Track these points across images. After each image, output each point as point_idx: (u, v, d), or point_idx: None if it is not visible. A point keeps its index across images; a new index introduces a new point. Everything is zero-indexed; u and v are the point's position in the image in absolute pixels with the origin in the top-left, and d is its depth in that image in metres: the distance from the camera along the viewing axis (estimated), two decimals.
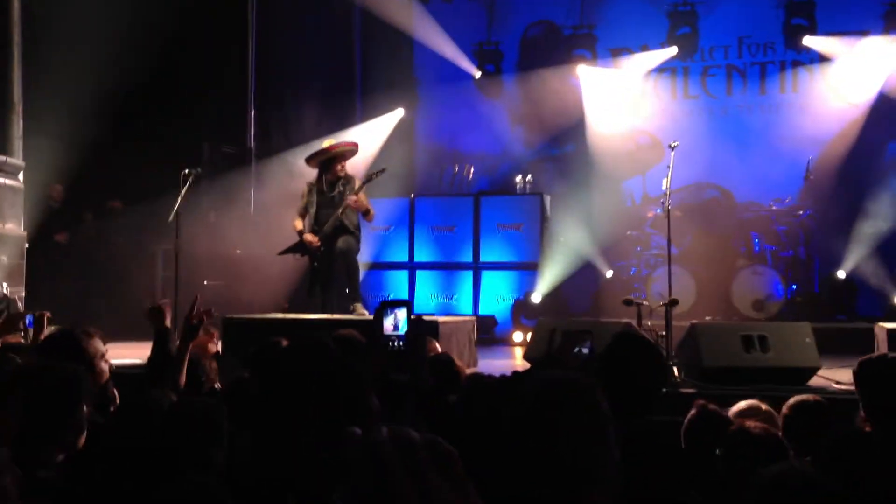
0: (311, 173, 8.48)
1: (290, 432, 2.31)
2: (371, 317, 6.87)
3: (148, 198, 9.10)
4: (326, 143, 8.63)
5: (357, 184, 8.14)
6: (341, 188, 8.17)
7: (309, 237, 8.11)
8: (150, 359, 3.96)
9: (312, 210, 8.23)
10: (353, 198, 7.98)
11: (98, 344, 3.58)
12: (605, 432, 2.17)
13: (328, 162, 8.27)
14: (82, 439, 2.77)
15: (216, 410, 2.86)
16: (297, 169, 10.00)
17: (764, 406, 3.60)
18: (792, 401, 3.69)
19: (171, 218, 7.85)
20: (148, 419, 2.92)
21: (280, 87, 11.75)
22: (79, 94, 9.25)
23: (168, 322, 4.05)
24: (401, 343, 4.56)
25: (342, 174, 8.24)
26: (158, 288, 9.71)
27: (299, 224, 8.26)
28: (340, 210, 8.05)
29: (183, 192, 7.89)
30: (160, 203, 8.27)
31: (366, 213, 8.20)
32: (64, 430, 2.71)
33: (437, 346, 6.05)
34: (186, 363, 3.88)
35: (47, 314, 4.64)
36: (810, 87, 11.69)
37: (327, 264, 8.12)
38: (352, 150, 8.45)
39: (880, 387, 3.45)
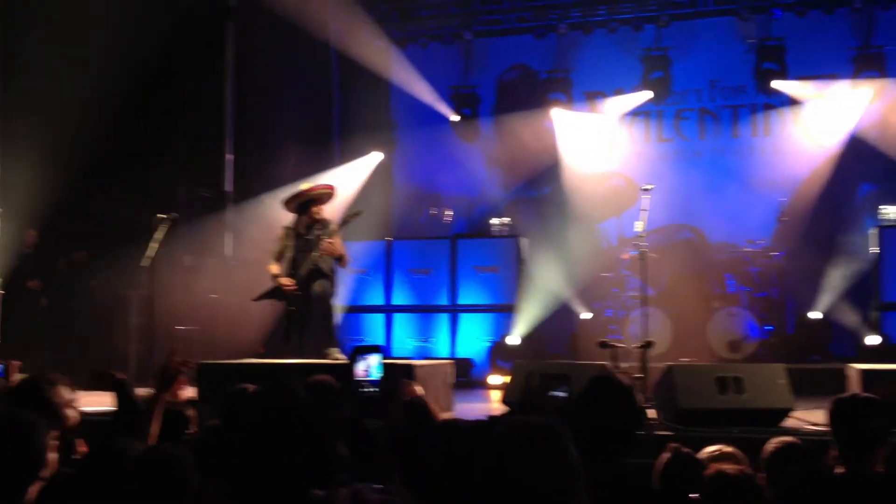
0: (288, 217, 8.47)
1: (257, 482, 2.28)
2: (346, 361, 6.86)
3: (123, 242, 9.06)
4: (304, 186, 8.63)
5: (332, 228, 8.13)
6: (318, 232, 8.15)
7: (284, 281, 8.08)
8: (117, 410, 3.92)
9: (289, 254, 8.20)
10: (328, 242, 7.96)
11: (64, 392, 3.54)
12: (573, 478, 2.16)
13: (304, 205, 8.26)
14: (34, 489, 2.73)
15: (183, 460, 2.83)
16: (274, 213, 10.00)
17: (728, 448, 3.62)
18: (774, 442, 3.71)
19: (145, 263, 7.81)
20: (114, 469, 2.88)
21: (257, 131, 11.78)
22: (53, 139, 9.24)
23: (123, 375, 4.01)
24: (374, 389, 4.55)
25: (318, 218, 8.23)
26: (132, 334, 9.62)
27: (275, 268, 8.23)
28: (316, 254, 8.03)
29: (158, 236, 7.86)
30: (135, 248, 8.23)
31: (340, 259, 8.17)
32: (14, 479, 2.67)
33: (418, 388, 6.02)
34: (161, 412, 3.84)
35: (17, 363, 4.60)
36: (782, 129, 11.87)
37: (303, 308, 8.09)
38: (328, 193, 8.44)
39: (853, 425, 3.49)
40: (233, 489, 2.50)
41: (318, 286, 8.03)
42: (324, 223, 8.21)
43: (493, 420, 2.45)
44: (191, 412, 4.47)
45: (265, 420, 2.39)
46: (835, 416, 3.60)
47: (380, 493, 2.02)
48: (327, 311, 8.15)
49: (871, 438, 3.39)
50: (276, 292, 8.17)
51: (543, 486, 2.10)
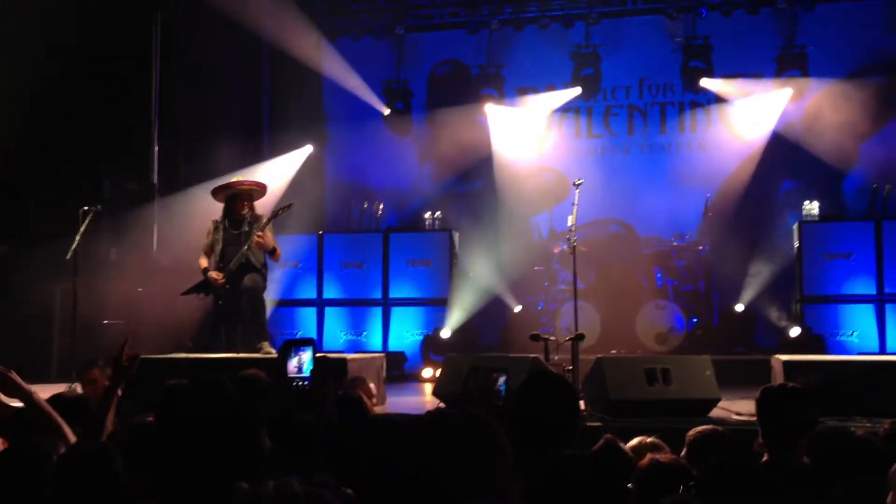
0: (217, 211, 8.35)
1: (184, 480, 2.25)
2: (276, 355, 6.79)
3: (46, 235, 8.81)
4: (235, 178, 8.53)
5: (264, 221, 8.04)
6: (247, 227, 8.06)
7: (213, 275, 7.97)
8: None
9: (218, 248, 8.09)
10: (259, 235, 7.87)
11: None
12: (504, 471, 2.17)
13: (233, 198, 8.15)
14: None
15: (110, 458, 2.77)
16: (202, 206, 9.84)
17: (651, 439, 3.71)
18: (693, 432, 3.79)
19: (69, 256, 7.62)
20: (37, 467, 2.82)
21: (186, 122, 11.57)
22: None
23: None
24: (306, 383, 4.50)
25: (247, 213, 8.12)
26: (56, 328, 9.38)
27: (204, 262, 8.11)
28: (246, 247, 7.94)
29: (81, 229, 7.68)
30: (59, 241, 8.01)
31: (272, 253, 8.09)
32: None
33: (372, 386, 5.99)
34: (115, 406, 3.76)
35: None
36: (708, 126, 12.12)
37: (233, 302, 7.98)
38: (259, 190, 8.34)
39: (779, 415, 3.57)
40: (159, 484, 2.46)
41: (248, 280, 7.94)
42: (254, 218, 8.12)
43: (428, 415, 2.44)
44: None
45: (194, 415, 2.35)
46: (762, 406, 3.68)
47: (307, 484, 2.00)
48: (258, 304, 8.06)
49: (797, 428, 3.47)
50: (204, 286, 8.05)
51: (474, 479, 2.10)
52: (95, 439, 3.35)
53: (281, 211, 8.20)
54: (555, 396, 3.39)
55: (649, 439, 3.71)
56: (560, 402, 3.39)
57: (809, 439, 3.33)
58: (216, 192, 8.28)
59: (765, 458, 3.51)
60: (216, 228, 8.14)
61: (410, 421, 3.09)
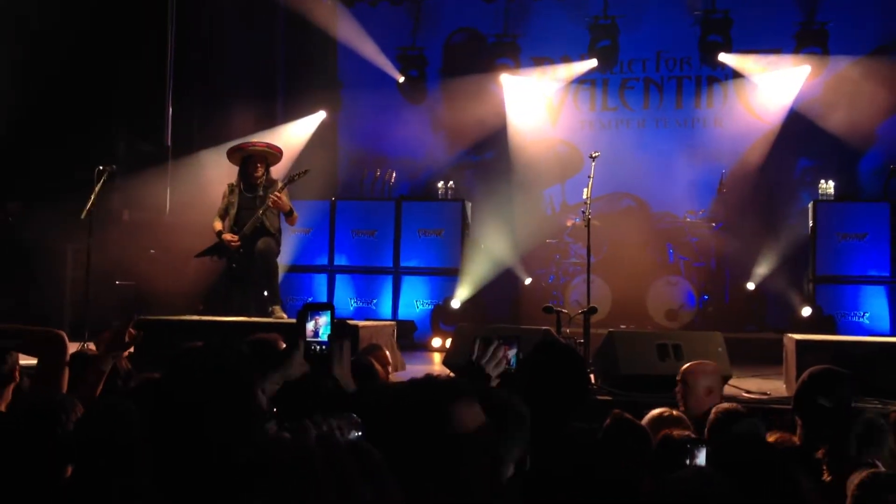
0: (232, 174, 8.34)
1: (198, 434, 2.26)
2: (290, 320, 6.80)
3: (60, 195, 8.81)
4: (252, 139, 8.53)
5: (279, 185, 8.03)
6: (262, 191, 8.05)
7: (228, 237, 7.97)
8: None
9: (233, 211, 8.09)
10: (276, 195, 7.86)
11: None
12: (459, 452, 2.17)
13: (247, 160, 8.13)
14: None
15: (129, 412, 2.79)
16: (215, 169, 9.83)
17: (675, 412, 3.68)
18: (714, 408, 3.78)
19: (83, 216, 7.63)
20: (59, 421, 2.84)
21: (200, 85, 11.53)
22: None
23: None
24: (323, 347, 4.50)
25: (261, 177, 8.10)
26: (68, 287, 9.41)
27: (218, 225, 8.11)
28: (261, 210, 7.93)
29: (96, 189, 7.68)
30: (72, 201, 8.01)
31: (288, 215, 8.09)
32: None
33: (388, 354, 5.99)
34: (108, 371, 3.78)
35: None
36: (724, 102, 12.02)
37: (246, 266, 8.00)
38: (273, 153, 8.31)
39: (824, 397, 3.51)
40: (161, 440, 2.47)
41: (262, 243, 7.95)
42: (270, 182, 8.11)
43: (424, 380, 2.45)
44: (125, 364, 4.41)
45: (202, 376, 2.36)
46: (809, 389, 3.62)
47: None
48: (271, 268, 8.07)
49: (834, 413, 3.44)
50: (218, 249, 8.06)
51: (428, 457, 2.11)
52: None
53: (297, 176, 8.17)
54: (564, 366, 3.39)
55: (672, 412, 3.69)
56: (569, 372, 3.39)
57: (856, 426, 3.30)
58: (231, 154, 8.27)
59: (795, 441, 3.48)
60: (231, 192, 8.14)
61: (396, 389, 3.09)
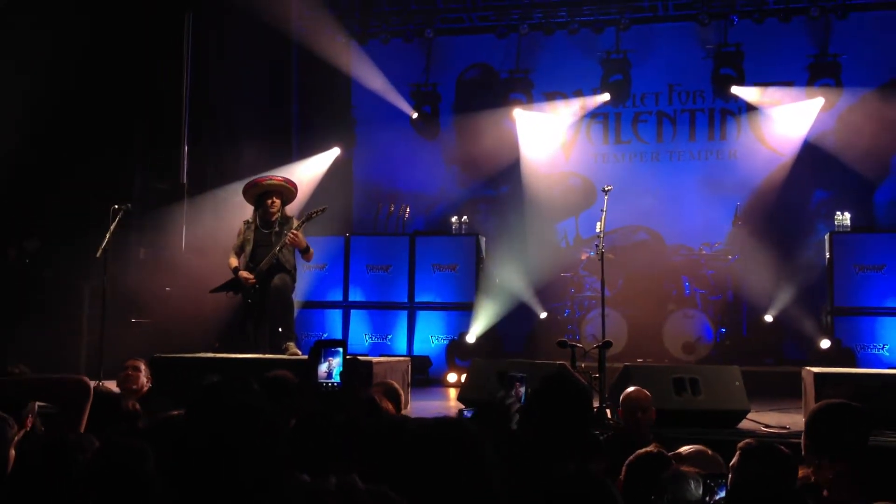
0: (247, 212, 8.37)
1: (218, 476, 2.24)
2: (304, 356, 6.79)
3: (76, 233, 8.87)
4: (266, 175, 8.58)
5: (295, 223, 8.06)
6: (278, 228, 8.08)
7: (244, 274, 7.99)
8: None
9: (249, 248, 8.11)
10: (294, 233, 7.89)
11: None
12: (485, 476, 2.20)
13: (263, 196, 8.17)
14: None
15: (143, 454, 2.77)
16: (230, 206, 9.88)
17: (711, 452, 3.59)
18: (744, 443, 3.68)
19: (98, 254, 7.67)
20: (71, 462, 2.83)
21: (215, 123, 11.63)
22: (5, 124, 9.02)
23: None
24: (334, 384, 4.48)
25: (277, 212, 8.13)
26: (84, 325, 9.43)
27: (234, 261, 8.13)
28: (278, 248, 7.96)
29: (112, 227, 7.72)
30: (88, 239, 8.06)
31: (304, 252, 8.11)
32: None
33: (397, 386, 5.96)
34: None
35: None
36: (738, 134, 12.03)
37: (261, 302, 8.01)
38: (289, 189, 8.33)
39: (832, 432, 3.45)
40: (187, 477, 2.45)
41: (278, 279, 7.96)
42: (285, 219, 8.14)
43: (439, 419, 2.46)
44: (133, 405, 4.40)
45: (224, 408, 2.36)
46: (819, 422, 3.55)
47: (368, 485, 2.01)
48: (287, 304, 8.08)
49: (846, 447, 3.37)
50: (233, 285, 8.08)
51: (453, 486, 2.13)
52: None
53: (315, 213, 8.20)
54: (569, 402, 3.35)
55: (708, 451, 3.59)
56: (571, 407, 3.35)
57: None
58: (247, 190, 8.30)
59: (807, 476, 3.41)
60: (247, 228, 8.17)
61: (415, 426, 3.08)
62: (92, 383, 3.78)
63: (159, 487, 2.78)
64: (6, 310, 9.55)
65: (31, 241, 9.88)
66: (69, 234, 9.18)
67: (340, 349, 4.31)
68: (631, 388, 5.07)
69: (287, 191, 8.29)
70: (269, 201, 8.09)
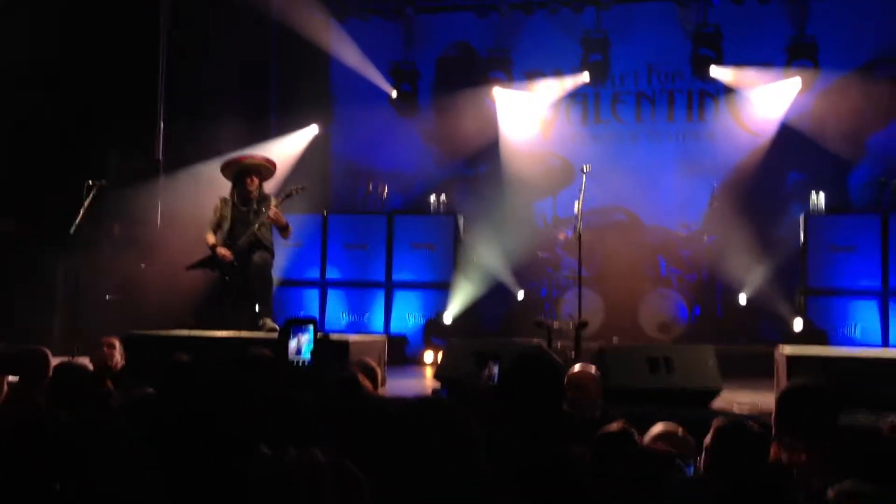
0: (224, 188, 8.33)
1: (193, 451, 2.26)
2: (278, 334, 6.77)
3: (50, 211, 8.79)
4: (244, 153, 8.54)
5: (275, 201, 8.04)
6: (256, 206, 8.06)
7: (222, 251, 7.96)
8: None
9: (226, 225, 8.09)
10: (274, 210, 7.88)
11: None
12: (469, 455, 2.22)
13: (242, 174, 8.14)
14: None
15: (123, 429, 2.77)
16: (206, 183, 9.81)
17: (681, 431, 3.61)
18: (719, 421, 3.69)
19: (72, 230, 7.61)
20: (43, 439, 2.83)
21: (192, 99, 11.52)
22: None
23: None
24: (305, 362, 4.50)
25: (254, 191, 8.11)
26: (58, 302, 9.37)
27: (212, 238, 8.09)
28: (257, 225, 7.93)
29: (86, 204, 7.66)
30: (63, 216, 7.99)
31: (283, 229, 8.11)
32: None
33: (377, 369, 5.97)
34: None
35: None
36: (716, 115, 12.06)
37: (241, 280, 7.99)
38: (268, 167, 8.32)
39: (802, 414, 3.47)
40: (162, 453, 2.46)
41: (258, 257, 7.96)
42: (263, 197, 8.12)
43: (417, 399, 2.47)
44: (109, 383, 4.39)
45: (197, 391, 2.37)
46: (788, 404, 3.57)
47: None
48: (267, 281, 8.10)
49: (817, 429, 3.40)
50: (210, 262, 8.05)
51: (437, 461, 2.15)
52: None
53: (295, 191, 8.19)
54: (538, 379, 3.36)
55: (678, 431, 3.60)
56: (541, 382, 3.36)
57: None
58: (225, 168, 8.28)
59: (778, 457, 3.44)
60: (224, 205, 8.14)
61: (400, 405, 3.09)
62: (57, 357, 3.78)
63: (133, 464, 2.78)
64: None
65: (4, 220, 9.79)
66: (44, 212, 9.09)
67: (311, 326, 4.33)
68: (575, 367, 5.04)
69: (266, 169, 8.27)
70: (249, 179, 8.08)
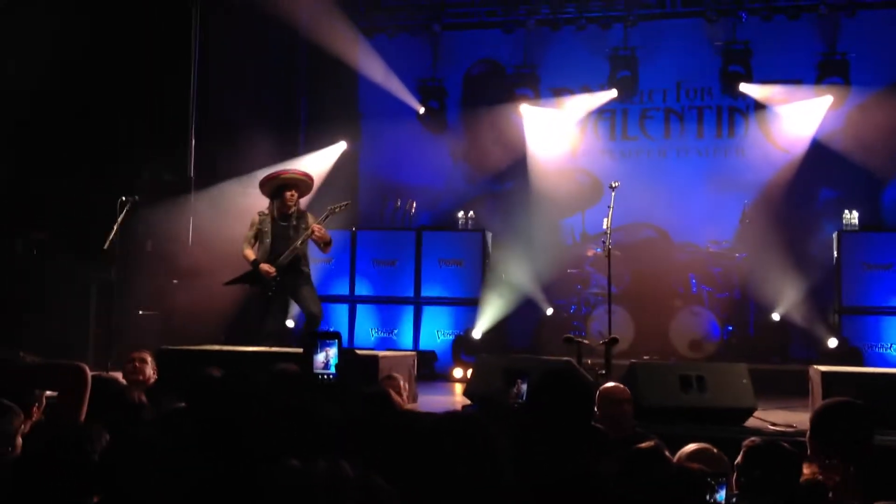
0: (255, 204, 8.39)
1: (222, 462, 2.27)
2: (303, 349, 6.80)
3: (83, 225, 8.89)
4: (283, 168, 8.64)
5: (311, 217, 8.11)
6: (295, 222, 8.12)
7: (266, 267, 7.98)
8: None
9: (267, 240, 8.11)
10: (320, 226, 7.95)
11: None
12: (497, 471, 2.23)
13: (281, 188, 8.18)
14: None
15: (155, 442, 2.78)
16: (238, 199, 9.89)
17: (715, 451, 3.56)
18: (749, 441, 3.66)
19: (106, 246, 7.68)
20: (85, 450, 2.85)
21: (222, 117, 11.62)
22: (14, 118, 9.03)
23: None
24: (331, 376, 4.50)
25: (294, 205, 8.17)
26: (92, 317, 9.45)
27: (251, 253, 8.12)
28: (300, 240, 8.00)
29: (119, 219, 7.74)
30: (96, 231, 8.07)
31: (327, 244, 8.20)
32: None
33: (403, 384, 5.99)
34: None
35: None
36: (746, 132, 11.99)
37: (282, 295, 8.07)
38: (308, 183, 8.39)
39: (836, 431, 3.43)
40: (193, 468, 2.47)
41: (301, 274, 8.07)
42: (301, 213, 8.17)
43: (448, 414, 2.46)
44: (140, 397, 4.41)
45: (226, 407, 2.38)
46: (823, 420, 3.53)
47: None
48: (313, 296, 8.19)
49: (851, 446, 3.36)
50: (251, 277, 8.07)
51: (466, 476, 2.15)
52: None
53: (338, 208, 8.26)
54: (566, 396, 3.34)
55: (713, 450, 3.55)
56: (570, 398, 3.34)
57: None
58: (264, 184, 8.32)
59: (813, 477, 3.40)
60: (262, 220, 8.17)
61: (431, 420, 3.09)
62: (93, 373, 3.80)
63: (165, 476, 2.79)
64: (14, 302, 9.57)
65: (39, 233, 9.90)
66: (76, 227, 9.20)
67: (336, 340, 4.34)
68: (608, 384, 5.02)
69: (304, 184, 8.35)
70: (289, 194, 8.13)
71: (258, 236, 8.14)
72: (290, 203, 8.10)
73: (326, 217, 8.10)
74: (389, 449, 3.07)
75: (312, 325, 8.05)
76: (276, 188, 8.18)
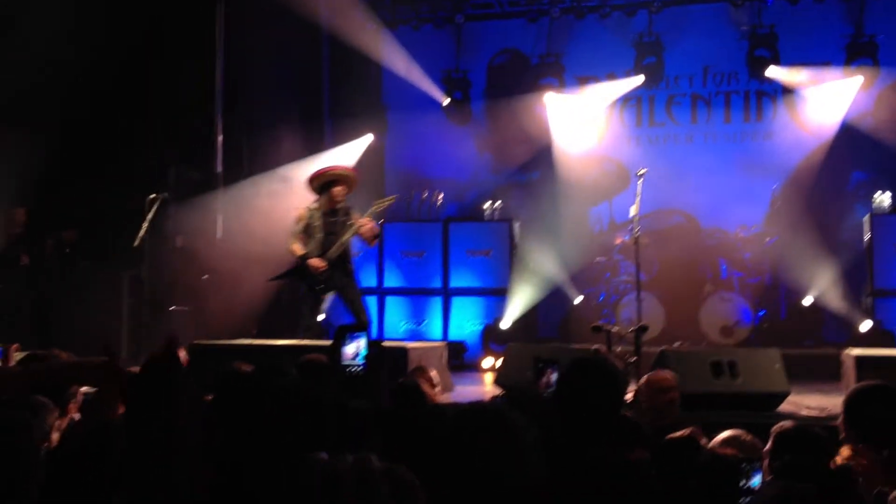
0: (280, 198, 8.45)
1: (249, 456, 2.28)
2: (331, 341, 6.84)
3: (114, 224, 8.99)
4: (329, 164, 8.72)
5: (357, 214, 8.16)
6: (343, 217, 8.17)
7: (315, 262, 8.01)
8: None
9: (319, 235, 8.14)
10: (370, 221, 8.01)
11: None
12: (525, 457, 2.23)
13: (332, 183, 8.23)
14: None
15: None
16: (265, 194, 9.95)
17: (749, 437, 3.54)
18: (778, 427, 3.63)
19: (137, 243, 7.77)
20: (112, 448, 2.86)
21: (248, 112, 11.70)
22: (42, 117, 9.13)
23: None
24: (360, 369, 4.52)
25: (342, 200, 8.22)
26: (124, 314, 9.57)
27: (299, 248, 8.14)
28: (348, 235, 8.05)
29: (149, 216, 7.81)
30: (126, 229, 8.16)
31: (374, 237, 8.27)
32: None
33: (434, 375, 6.00)
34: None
35: (16, 346, 4.57)
36: (774, 116, 11.87)
37: (325, 290, 8.13)
38: (353, 177, 8.45)
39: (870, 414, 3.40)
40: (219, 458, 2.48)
41: (349, 268, 8.14)
42: (347, 209, 8.23)
43: (477, 405, 2.46)
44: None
45: (254, 399, 2.39)
46: (855, 403, 3.50)
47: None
48: (360, 302, 8.26)
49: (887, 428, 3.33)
50: (299, 272, 8.11)
51: (493, 468, 2.16)
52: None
53: (385, 203, 8.36)
54: (595, 384, 3.33)
55: (747, 437, 3.54)
56: (599, 387, 3.33)
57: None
58: (313, 180, 8.35)
59: (846, 461, 3.37)
60: (310, 215, 8.19)
61: (454, 412, 3.09)
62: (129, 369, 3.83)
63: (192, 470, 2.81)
64: (46, 300, 9.70)
65: (70, 232, 10.02)
66: (107, 225, 9.30)
67: (364, 333, 4.36)
68: (656, 372, 5.00)
69: (352, 179, 8.40)
70: (337, 189, 8.17)
71: (307, 231, 8.15)
72: (338, 199, 8.14)
73: (373, 212, 8.16)
74: (417, 441, 3.08)
75: None
76: (324, 184, 8.22)
